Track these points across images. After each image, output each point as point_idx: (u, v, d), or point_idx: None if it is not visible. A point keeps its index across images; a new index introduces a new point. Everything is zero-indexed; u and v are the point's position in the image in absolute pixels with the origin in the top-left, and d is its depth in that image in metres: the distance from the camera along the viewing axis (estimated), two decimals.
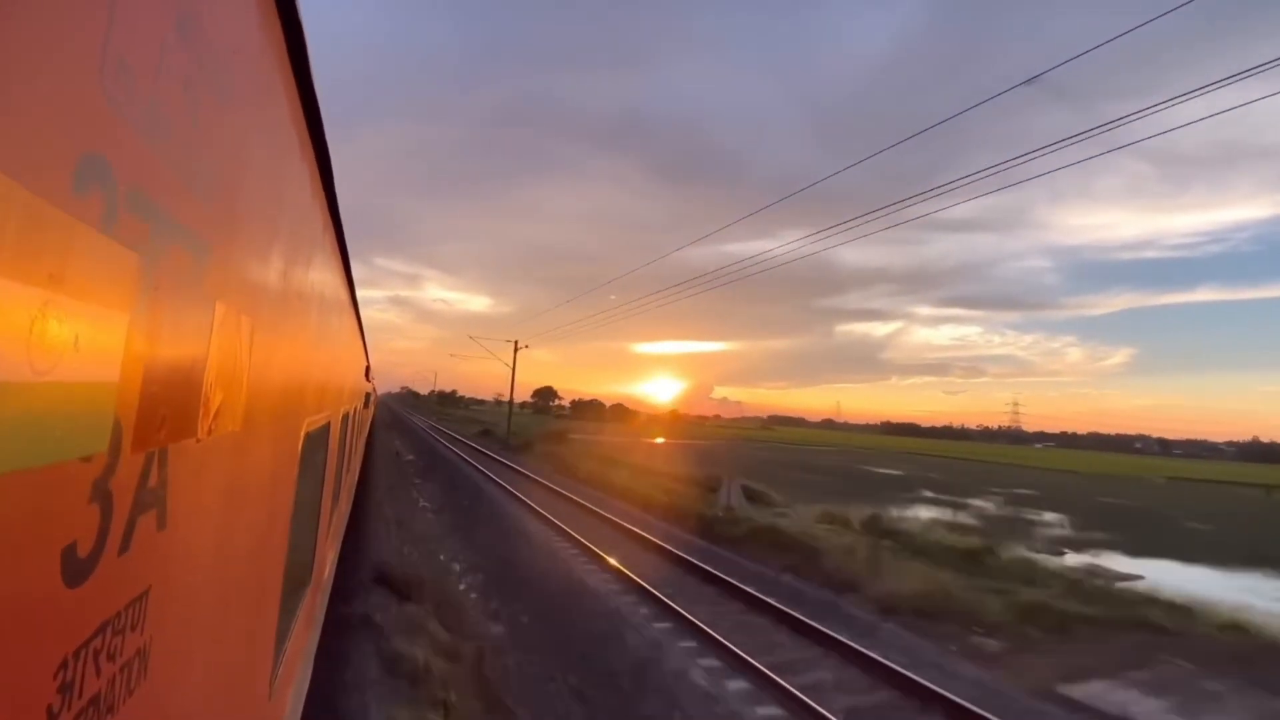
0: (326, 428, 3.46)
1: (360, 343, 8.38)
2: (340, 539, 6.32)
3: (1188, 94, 6.66)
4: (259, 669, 1.81)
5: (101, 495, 0.65)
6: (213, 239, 0.96)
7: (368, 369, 14.26)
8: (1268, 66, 6.07)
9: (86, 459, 0.61)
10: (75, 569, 0.61)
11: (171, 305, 0.80)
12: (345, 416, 5.32)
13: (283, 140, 1.50)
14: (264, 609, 1.81)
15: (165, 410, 0.81)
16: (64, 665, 0.60)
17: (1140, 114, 7.53)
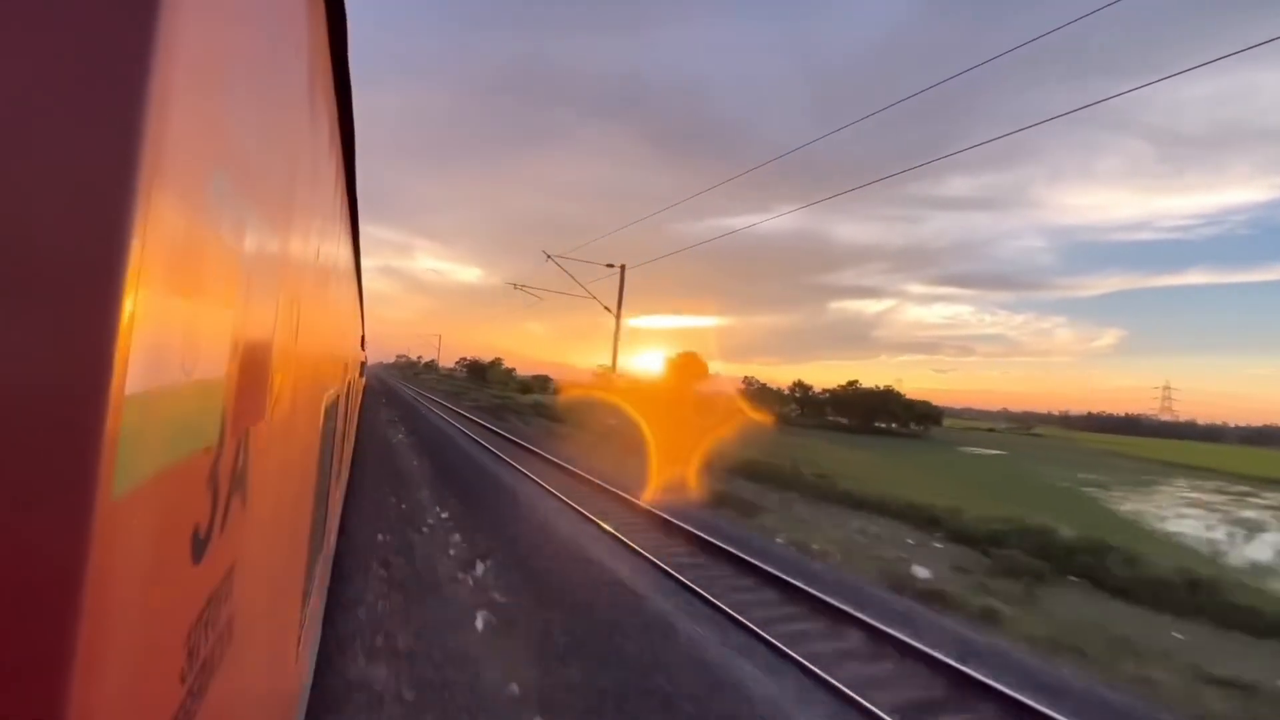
0: (336, 401, 3.56)
1: (359, 310, 8.31)
2: (340, 510, 6.40)
3: (1190, 68, 6.60)
4: (290, 634, 1.93)
5: (214, 481, 0.71)
6: (278, 229, 1.00)
7: (363, 338, 13.99)
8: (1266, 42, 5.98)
9: (208, 449, 0.67)
10: (198, 548, 0.67)
11: (257, 298, 0.86)
12: (349, 386, 5.37)
13: (319, 110, 1.52)
14: (295, 577, 1.92)
15: (249, 398, 0.86)
16: (190, 634, 0.67)
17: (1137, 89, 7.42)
